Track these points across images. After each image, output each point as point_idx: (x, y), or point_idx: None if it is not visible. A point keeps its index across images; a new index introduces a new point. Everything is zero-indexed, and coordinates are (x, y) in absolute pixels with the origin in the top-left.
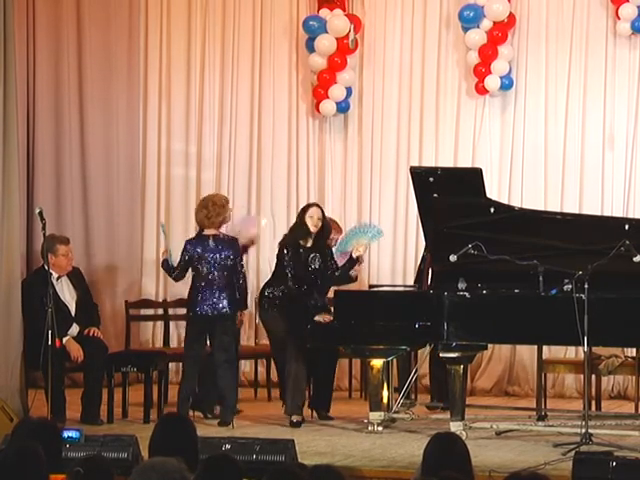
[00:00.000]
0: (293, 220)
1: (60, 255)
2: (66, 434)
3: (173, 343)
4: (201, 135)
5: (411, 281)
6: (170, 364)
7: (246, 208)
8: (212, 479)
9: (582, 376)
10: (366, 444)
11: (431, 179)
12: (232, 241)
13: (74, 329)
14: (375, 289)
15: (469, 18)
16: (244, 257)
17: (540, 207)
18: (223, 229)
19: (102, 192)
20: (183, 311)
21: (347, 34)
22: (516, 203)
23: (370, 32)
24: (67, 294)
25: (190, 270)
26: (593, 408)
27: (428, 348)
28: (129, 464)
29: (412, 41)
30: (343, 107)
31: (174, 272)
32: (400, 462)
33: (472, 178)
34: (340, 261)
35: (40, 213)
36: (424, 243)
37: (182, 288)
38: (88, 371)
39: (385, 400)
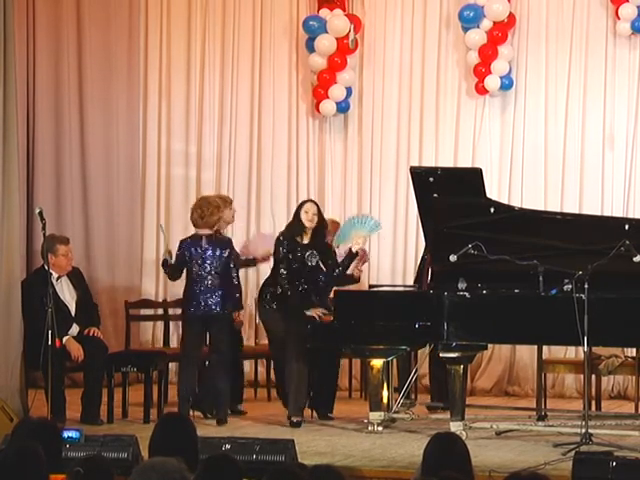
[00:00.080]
0: None
1: (60, 255)
2: (66, 434)
3: (173, 343)
4: (201, 135)
5: (411, 281)
6: (170, 364)
7: (246, 209)
8: (212, 479)
9: (582, 376)
10: (366, 444)
11: (431, 179)
12: (225, 241)
13: (74, 329)
14: (375, 289)
15: (469, 18)
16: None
17: (540, 207)
18: (227, 229)
19: (102, 192)
20: None
21: (347, 34)
22: (516, 203)
23: (370, 32)
24: (67, 294)
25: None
26: (593, 408)
27: (428, 348)
28: (129, 464)
29: (412, 41)
30: (343, 107)
31: (170, 271)
32: (400, 462)
33: (472, 178)
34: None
35: (40, 213)
36: (424, 243)
37: (182, 288)
38: (88, 371)
39: (385, 400)
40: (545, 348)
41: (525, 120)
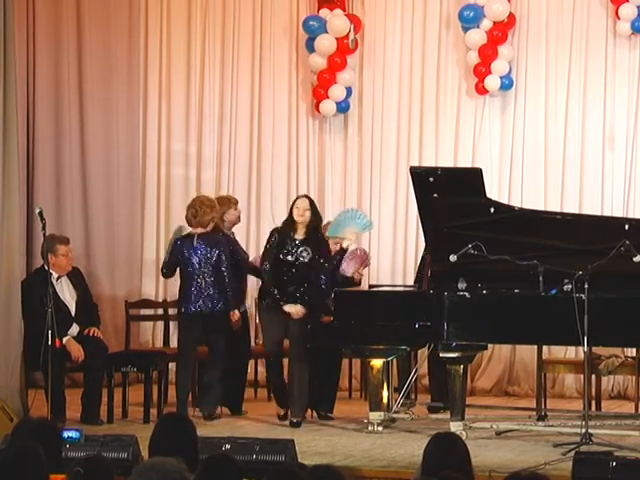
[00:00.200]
0: None
1: (60, 255)
2: (66, 434)
3: (173, 343)
4: (201, 135)
5: (411, 281)
6: (170, 364)
7: (246, 209)
8: (212, 479)
9: (582, 376)
10: (366, 444)
11: (431, 179)
12: (218, 241)
13: (74, 329)
14: (375, 289)
15: (469, 18)
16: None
17: (540, 207)
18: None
19: (102, 192)
20: None
21: (347, 34)
22: (516, 203)
23: (370, 32)
24: (67, 294)
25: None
26: (593, 408)
27: (427, 348)
28: (129, 464)
29: (412, 41)
30: (343, 107)
31: (163, 269)
32: (400, 462)
33: (472, 178)
34: (346, 265)
35: (40, 213)
36: (424, 243)
37: None
38: (88, 371)
39: (385, 400)
40: (545, 348)
41: (525, 120)
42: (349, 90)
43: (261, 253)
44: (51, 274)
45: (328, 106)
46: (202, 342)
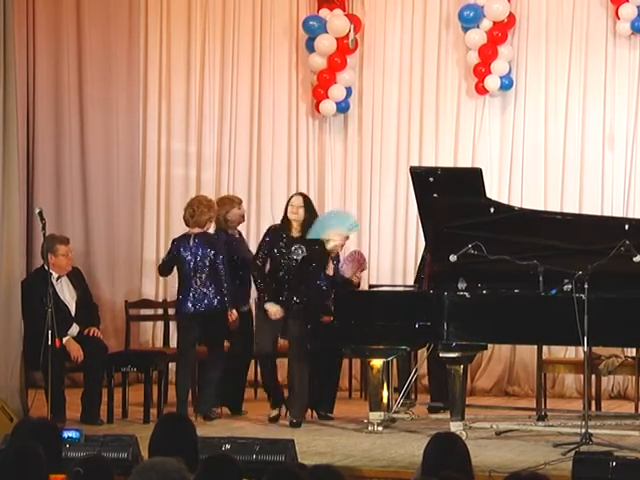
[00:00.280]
0: None
1: (60, 255)
2: (66, 434)
3: (173, 343)
4: (201, 135)
5: (411, 281)
6: (170, 364)
7: (246, 209)
8: (212, 479)
9: (582, 376)
10: (366, 444)
11: (431, 179)
12: (213, 240)
13: (74, 329)
14: (375, 289)
15: (469, 18)
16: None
17: (540, 207)
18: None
19: (102, 192)
20: None
21: (347, 34)
22: (516, 203)
23: (370, 32)
24: (67, 294)
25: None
26: (593, 408)
27: (427, 348)
28: (129, 464)
29: (412, 41)
30: (343, 107)
31: (160, 267)
32: (400, 462)
33: (472, 178)
34: (345, 267)
35: (40, 213)
36: (424, 243)
37: None
38: (88, 371)
39: (385, 400)
40: (545, 348)
41: (525, 120)
42: (349, 90)
43: None
44: (51, 274)
45: (328, 106)
46: (201, 342)
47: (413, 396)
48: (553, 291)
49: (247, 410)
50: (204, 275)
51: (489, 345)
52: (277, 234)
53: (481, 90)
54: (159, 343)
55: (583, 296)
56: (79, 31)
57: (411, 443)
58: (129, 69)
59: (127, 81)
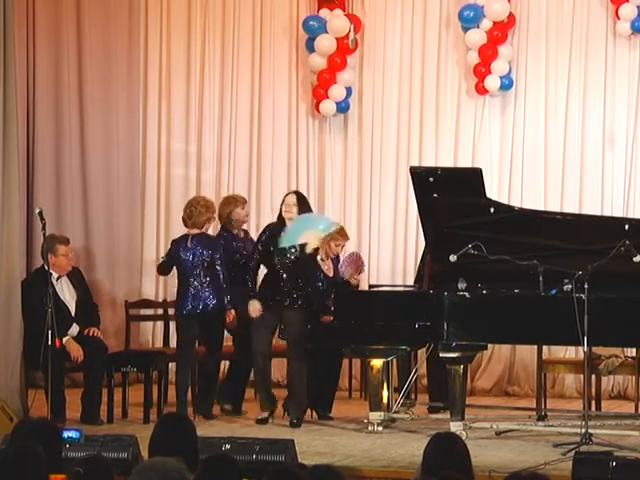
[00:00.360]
0: None
1: (60, 255)
2: (66, 434)
3: (173, 343)
4: (201, 135)
5: (411, 281)
6: (170, 364)
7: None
8: (212, 479)
9: (582, 376)
10: (366, 444)
11: (431, 179)
12: (210, 241)
13: (74, 329)
14: (375, 289)
15: (469, 18)
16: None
17: (540, 207)
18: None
19: (102, 192)
20: None
21: (347, 34)
22: (516, 203)
23: (370, 32)
24: (67, 294)
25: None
26: (593, 408)
27: (426, 348)
28: (129, 464)
29: (412, 41)
30: (343, 107)
31: (160, 267)
32: (400, 462)
33: (472, 178)
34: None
35: (40, 213)
36: (424, 243)
37: None
38: (88, 371)
39: (385, 400)
40: (545, 348)
41: (525, 120)
42: (349, 90)
43: None
44: (51, 274)
45: (328, 106)
46: (200, 341)
47: (413, 396)
48: (553, 291)
49: (247, 410)
50: (202, 276)
51: (489, 345)
52: (273, 233)
53: (481, 90)
54: (159, 343)
55: (583, 296)
56: (79, 31)
57: (411, 443)
58: (129, 69)
59: (127, 81)
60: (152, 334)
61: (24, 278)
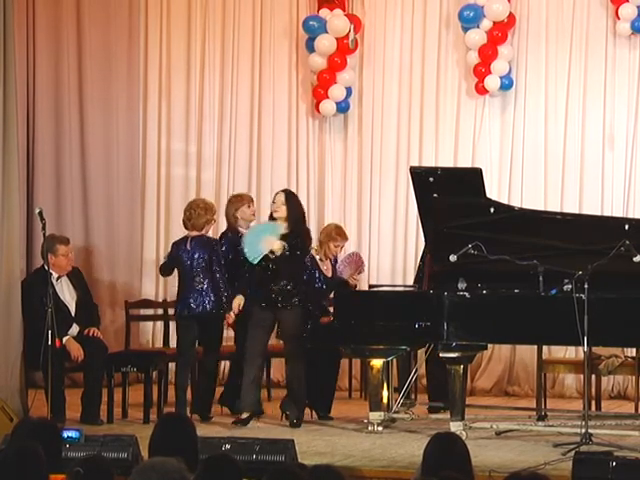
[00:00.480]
0: None
1: (60, 255)
2: (66, 434)
3: (173, 343)
4: (201, 135)
5: (411, 281)
6: (170, 364)
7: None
8: (212, 479)
9: (582, 376)
10: (366, 444)
11: (431, 179)
12: (210, 242)
13: (74, 329)
14: (375, 289)
15: (469, 18)
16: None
17: (540, 207)
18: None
19: (102, 192)
20: None
21: (347, 34)
22: (516, 203)
23: (370, 32)
24: (67, 294)
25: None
26: (593, 408)
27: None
28: (129, 464)
29: (412, 41)
30: (343, 107)
31: (161, 268)
32: (400, 462)
33: (472, 178)
34: (342, 268)
35: (40, 213)
36: (424, 243)
37: None
38: (88, 371)
39: (385, 400)
40: (545, 348)
41: (525, 120)
42: (349, 90)
43: None
44: (51, 274)
45: (328, 106)
46: (199, 342)
47: (413, 396)
48: (553, 291)
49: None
50: (201, 277)
51: (489, 345)
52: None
53: (481, 90)
54: (159, 343)
55: (583, 296)
56: (79, 31)
57: (411, 443)
58: (129, 69)
59: (127, 81)
60: (152, 334)
61: (24, 278)
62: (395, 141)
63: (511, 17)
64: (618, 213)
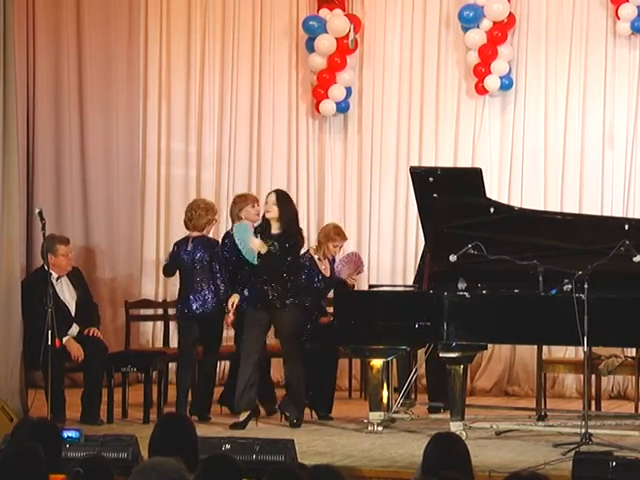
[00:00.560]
0: None
1: (60, 255)
2: (66, 434)
3: (173, 343)
4: (201, 135)
5: (411, 281)
6: (170, 364)
7: None
8: (212, 479)
9: (582, 376)
10: (366, 444)
11: (431, 179)
12: (210, 243)
13: (74, 329)
14: (375, 289)
15: (469, 18)
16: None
17: (540, 207)
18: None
19: (102, 192)
20: None
21: (347, 34)
22: (516, 203)
23: (370, 32)
24: (67, 294)
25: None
26: (593, 408)
27: (425, 348)
28: (129, 464)
29: (412, 41)
30: (343, 107)
31: (164, 268)
32: (400, 462)
33: (472, 178)
34: (341, 268)
35: (40, 213)
36: (424, 243)
37: None
38: (88, 371)
39: (385, 400)
40: (545, 348)
41: (525, 120)
42: (349, 90)
43: None
44: (51, 274)
45: (328, 106)
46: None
47: (413, 396)
48: (553, 291)
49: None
50: (202, 277)
51: (489, 345)
52: (260, 232)
53: (481, 90)
54: (159, 343)
55: (583, 296)
56: (79, 31)
57: (411, 443)
58: (129, 69)
59: (127, 81)
60: (152, 334)
61: (24, 278)
62: (395, 141)
63: (511, 17)
64: (618, 213)
